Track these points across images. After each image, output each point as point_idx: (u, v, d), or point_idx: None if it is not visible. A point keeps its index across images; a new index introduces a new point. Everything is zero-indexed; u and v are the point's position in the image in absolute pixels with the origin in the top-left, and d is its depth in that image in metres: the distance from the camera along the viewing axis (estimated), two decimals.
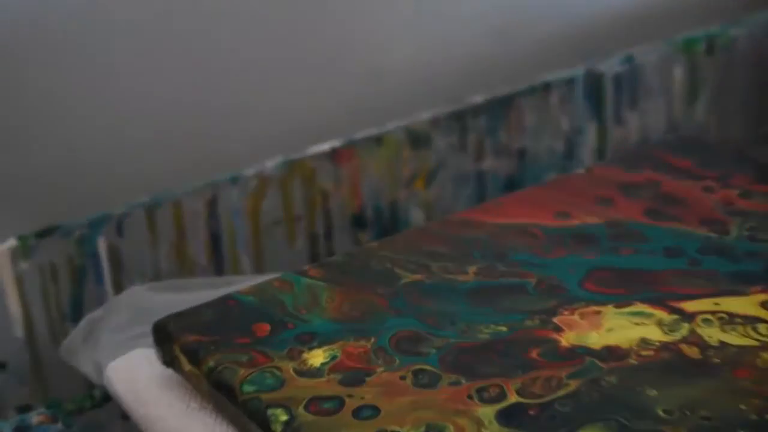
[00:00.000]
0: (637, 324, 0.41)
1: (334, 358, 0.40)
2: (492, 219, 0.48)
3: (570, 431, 0.36)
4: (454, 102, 0.59)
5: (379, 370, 0.39)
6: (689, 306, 0.42)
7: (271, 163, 0.56)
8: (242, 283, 0.46)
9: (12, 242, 0.51)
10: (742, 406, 0.37)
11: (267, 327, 0.42)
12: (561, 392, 0.38)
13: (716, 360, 0.39)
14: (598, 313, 0.42)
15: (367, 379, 0.39)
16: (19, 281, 0.52)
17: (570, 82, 0.62)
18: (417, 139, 0.59)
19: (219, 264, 0.56)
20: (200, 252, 0.55)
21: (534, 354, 0.40)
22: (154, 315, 0.44)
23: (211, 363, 0.40)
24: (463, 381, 0.39)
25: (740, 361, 0.39)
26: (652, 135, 0.64)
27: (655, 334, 0.40)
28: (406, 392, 0.38)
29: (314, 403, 0.38)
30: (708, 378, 0.38)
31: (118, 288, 0.53)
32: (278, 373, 0.40)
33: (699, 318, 0.41)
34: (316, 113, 0.60)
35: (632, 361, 0.39)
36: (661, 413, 0.37)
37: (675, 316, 0.41)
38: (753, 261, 0.44)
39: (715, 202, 0.49)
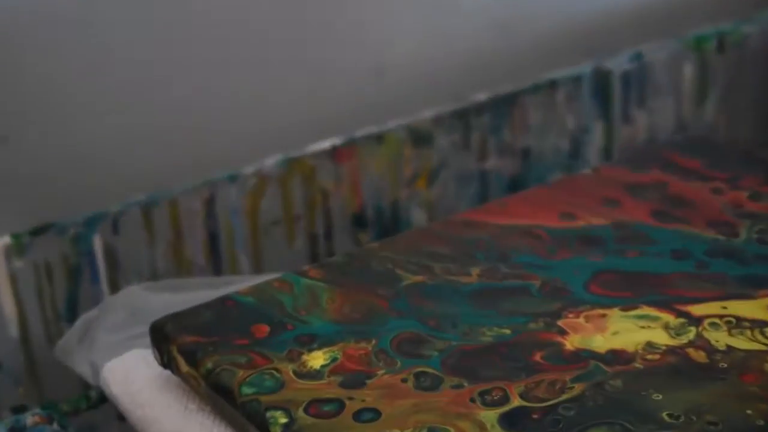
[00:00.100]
0: (643, 327, 0.41)
1: (334, 360, 0.40)
2: (495, 220, 0.48)
3: None
4: (456, 100, 0.59)
5: (380, 372, 0.39)
6: (696, 309, 0.42)
7: (270, 161, 0.56)
8: (241, 284, 0.46)
9: (6, 240, 0.51)
10: (749, 411, 0.37)
11: (266, 328, 0.42)
12: (565, 396, 0.38)
13: (723, 364, 0.39)
14: (604, 316, 0.42)
15: (368, 381, 0.39)
16: (13, 280, 0.52)
17: (577, 79, 0.61)
18: (419, 138, 0.58)
19: (217, 264, 0.56)
20: (198, 251, 0.55)
21: (538, 357, 0.40)
22: (151, 315, 0.44)
23: (210, 364, 0.40)
24: (466, 384, 0.39)
25: (747, 366, 0.39)
26: (660, 134, 0.64)
27: (661, 338, 0.40)
28: (408, 395, 0.38)
29: (314, 406, 0.38)
30: (714, 382, 0.38)
31: (114, 287, 0.53)
32: (277, 374, 0.39)
33: (706, 322, 0.41)
34: (316, 110, 0.60)
35: (638, 365, 0.39)
36: (666, 418, 0.37)
37: (682, 320, 0.41)
38: (762, 264, 0.44)
39: (723, 204, 0.48)
